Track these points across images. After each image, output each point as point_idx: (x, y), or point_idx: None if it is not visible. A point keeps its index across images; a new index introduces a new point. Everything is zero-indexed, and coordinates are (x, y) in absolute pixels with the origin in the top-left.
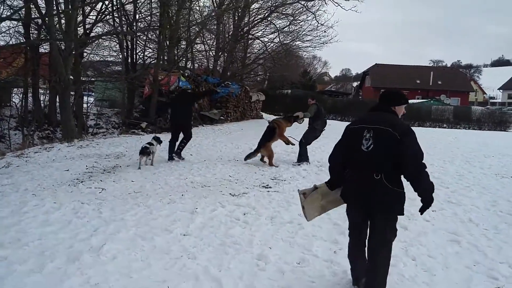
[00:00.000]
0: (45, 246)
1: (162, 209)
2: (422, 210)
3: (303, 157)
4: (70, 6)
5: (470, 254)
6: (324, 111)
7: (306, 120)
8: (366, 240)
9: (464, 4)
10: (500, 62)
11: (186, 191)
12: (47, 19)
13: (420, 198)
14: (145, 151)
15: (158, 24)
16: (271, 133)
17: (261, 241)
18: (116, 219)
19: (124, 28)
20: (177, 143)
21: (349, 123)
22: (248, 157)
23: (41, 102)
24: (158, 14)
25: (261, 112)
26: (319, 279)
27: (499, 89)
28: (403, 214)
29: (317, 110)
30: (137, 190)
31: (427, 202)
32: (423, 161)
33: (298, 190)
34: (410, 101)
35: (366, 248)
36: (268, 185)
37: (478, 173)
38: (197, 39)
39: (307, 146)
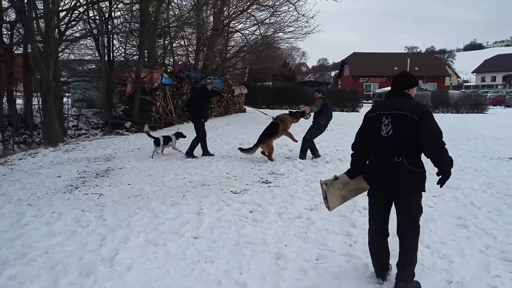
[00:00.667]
0: (54, 260)
1: (167, 212)
2: (441, 183)
3: (302, 153)
4: (51, 6)
5: (480, 238)
6: (330, 105)
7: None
8: (386, 231)
9: None
10: (472, 46)
11: (187, 192)
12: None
13: (439, 173)
14: (158, 141)
15: (139, 21)
16: (274, 129)
17: (274, 239)
18: (122, 226)
19: (100, 27)
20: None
21: (367, 111)
22: (246, 151)
23: (17, 105)
24: (137, 10)
25: (244, 106)
26: (342, 275)
27: (472, 72)
28: (424, 191)
29: (323, 104)
30: (136, 193)
31: (446, 176)
32: (442, 139)
33: (320, 180)
34: (389, 88)
35: (387, 238)
36: (267, 180)
37: (468, 156)
38: (177, 34)
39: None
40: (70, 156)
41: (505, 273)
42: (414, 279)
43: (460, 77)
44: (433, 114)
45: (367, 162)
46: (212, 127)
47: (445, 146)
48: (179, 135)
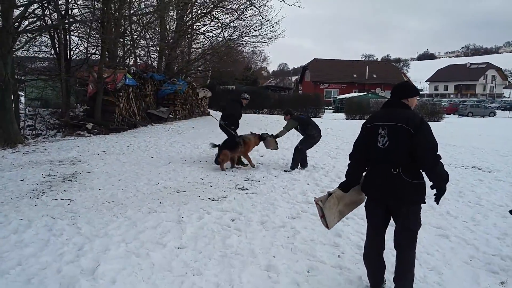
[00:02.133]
0: (29, 272)
1: (145, 220)
2: (438, 199)
3: (299, 162)
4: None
5: (462, 249)
6: (306, 117)
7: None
8: (382, 244)
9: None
10: (425, 56)
11: (163, 198)
12: None
13: (435, 188)
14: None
15: (99, 18)
16: (234, 146)
17: (262, 249)
18: (99, 235)
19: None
20: None
21: (364, 121)
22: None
23: None
24: (98, 7)
25: (208, 109)
26: None
27: (426, 81)
28: (424, 203)
29: (299, 119)
30: (108, 199)
31: (441, 190)
32: (437, 153)
33: (315, 198)
34: (349, 95)
35: (383, 252)
36: (244, 187)
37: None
38: (138, 35)
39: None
40: (31, 158)
41: (494, 285)
42: None
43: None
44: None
45: (365, 173)
46: (178, 130)
47: (440, 160)
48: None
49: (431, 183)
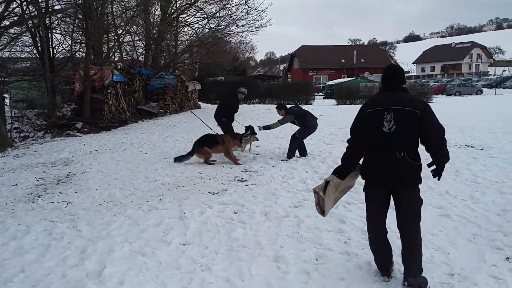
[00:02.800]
0: (33, 279)
1: (147, 218)
2: (439, 175)
3: (290, 152)
4: None
5: (465, 227)
6: (299, 109)
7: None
8: (385, 227)
9: None
10: (411, 38)
11: (162, 195)
12: None
13: (437, 164)
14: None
15: (82, 11)
16: (212, 143)
17: (268, 240)
18: (101, 236)
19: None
20: None
21: (362, 105)
22: (179, 159)
23: None
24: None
25: (198, 102)
26: (347, 275)
27: (413, 63)
28: (421, 183)
29: (296, 116)
30: (107, 199)
31: (441, 169)
32: (444, 135)
33: (314, 188)
34: (338, 80)
35: (387, 235)
36: (243, 178)
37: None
38: (123, 30)
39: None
40: (22, 162)
41: (499, 261)
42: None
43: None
44: None
45: (365, 159)
46: (169, 125)
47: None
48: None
49: (429, 162)
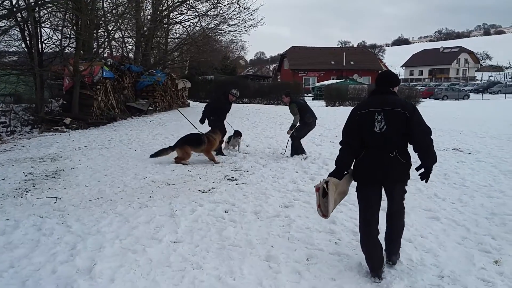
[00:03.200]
0: (22, 274)
1: (137, 215)
2: (426, 178)
3: (298, 150)
4: None
5: (454, 230)
6: (304, 102)
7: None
8: (377, 227)
9: None
10: (399, 41)
11: (152, 192)
12: None
13: (424, 168)
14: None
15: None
16: (197, 142)
17: (259, 240)
18: (91, 232)
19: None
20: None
21: (353, 107)
22: (157, 154)
23: None
24: None
25: (188, 100)
26: (338, 275)
27: (401, 66)
28: (409, 178)
29: (298, 107)
30: (96, 196)
31: (429, 169)
32: (431, 136)
33: (315, 186)
34: (328, 82)
35: (378, 234)
36: (233, 177)
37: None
38: (114, 26)
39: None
40: (10, 156)
41: (488, 265)
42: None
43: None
44: None
45: (358, 160)
46: (159, 123)
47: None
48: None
49: (417, 166)
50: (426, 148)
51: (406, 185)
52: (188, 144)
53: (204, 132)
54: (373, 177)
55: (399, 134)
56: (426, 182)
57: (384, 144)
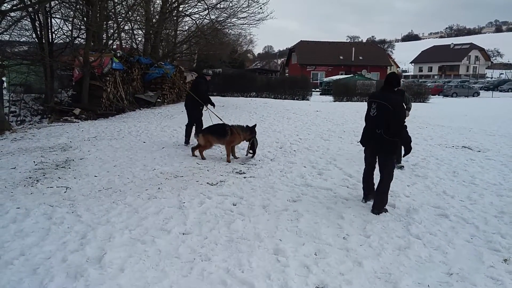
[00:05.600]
0: (33, 262)
1: (146, 206)
2: (406, 153)
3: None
4: None
5: (462, 228)
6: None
7: None
8: (373, 167)
9: None
10: (409, 37)
11: (161, 184)
12: None
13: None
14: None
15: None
16: (221, 134)
17: (267, 233)
18: (101, 222)
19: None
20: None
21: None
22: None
23: None
24: None
25: None
26: (346, 270)
27: (410, 62)
28: (395, 152)
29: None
30: (106, 186)
31: (408, 149)
32: (402, 123)
33: None
34: (336, 77)
35: (373, 172)
36: (241, 170)
37: (425, 145)
38: (124, 17)
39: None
40: (20, 146)
41: (497, 263)
42: (383, 211)
43: (399, 67)
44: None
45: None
46: (167, 115)
47: (406, 129)
48: None
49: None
50: (397, 132)
51: (393, 158)
52: (211, 134)
53: (230, 124)
54: (367, 144)
55: (383, 119)
56: (405, 156)
57: (373, 124)
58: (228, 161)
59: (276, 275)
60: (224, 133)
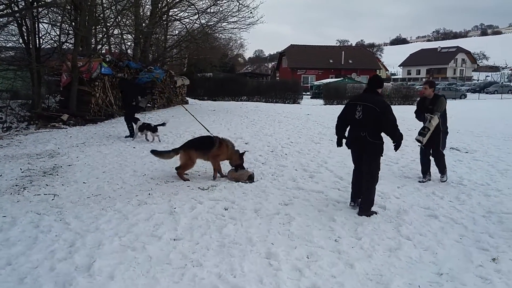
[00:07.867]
0: (20, 271)
1: (137, 212)
2: (396, 149)
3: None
4: None
5: (452, 228)
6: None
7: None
8: (361, 173)
9: None
10: (398, 41)
11: (151, 189)
12: None
13: (394, 142)
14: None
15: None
16: (206, 146)
17: (259, 237)
18: (90, 230)
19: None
20: None
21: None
22: (160, 154)
23: None
24: None
25: (186, 97)
26: (338, 273)
27: (399, 66)
28: (382, 156)
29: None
30: (95, 192)
31: (398, 145)
32: (396, 124)
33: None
34: (326, 80)
35: (361, 177)
36: None
37: (414, 146)
38: (113, 22)
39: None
40: (6, 153)
41: (486, 262)
42: (371, 214)
43: (388, 70)
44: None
45: (347, 133)
46: (158, 120)
47: (398, 128)
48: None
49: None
50: (391, 133)
51: (377, 160)
52: (194, 148)
53: (216, 136)
54: (352, 146)
55: (369, 122)
56: (395, 151)
57: (359, 127)
58: (217, 176)
59: (268, 279)
60: (210, 146)
